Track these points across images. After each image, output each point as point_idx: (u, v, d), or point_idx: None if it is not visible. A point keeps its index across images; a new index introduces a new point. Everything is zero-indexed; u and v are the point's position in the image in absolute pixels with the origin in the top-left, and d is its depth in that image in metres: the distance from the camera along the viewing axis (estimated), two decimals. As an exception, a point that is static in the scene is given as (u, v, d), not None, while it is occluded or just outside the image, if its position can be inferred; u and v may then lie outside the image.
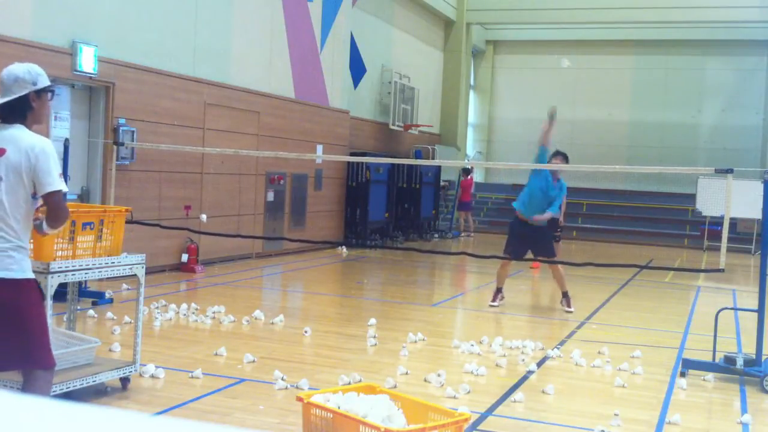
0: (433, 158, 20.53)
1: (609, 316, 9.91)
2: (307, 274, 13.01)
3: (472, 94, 26.66)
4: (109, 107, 10.37)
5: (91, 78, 9.98)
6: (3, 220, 3.77)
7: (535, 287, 12.90)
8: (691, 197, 20.51)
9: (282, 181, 14.35)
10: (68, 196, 4.11)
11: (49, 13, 9.42)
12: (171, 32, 11.45)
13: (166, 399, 5.48)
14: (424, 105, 22.10)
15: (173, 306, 8.47)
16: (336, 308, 9.88)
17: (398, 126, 19.84)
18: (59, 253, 4.91)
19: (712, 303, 10.79)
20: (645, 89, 25.17)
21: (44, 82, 3.93)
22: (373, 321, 8.39)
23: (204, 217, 11.85)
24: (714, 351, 6.88)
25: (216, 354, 6.73)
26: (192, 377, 5.98)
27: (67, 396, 5.15)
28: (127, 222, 5.81)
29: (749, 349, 7.22)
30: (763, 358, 6.64)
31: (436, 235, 20.02)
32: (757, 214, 10.34)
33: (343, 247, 15.77)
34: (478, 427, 5.19)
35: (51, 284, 4.76)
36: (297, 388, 5.75)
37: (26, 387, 3.90)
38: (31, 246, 4.77)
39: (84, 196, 10.27)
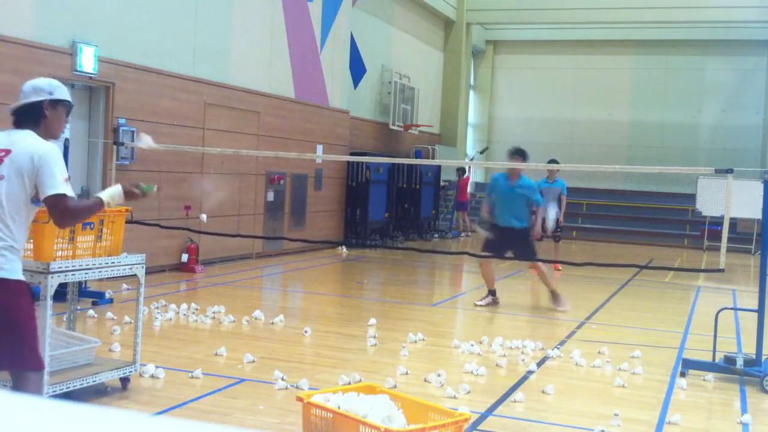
0: (433, 158, 20.52)
1: (609, 316, 9.91)
2: (307, 274, 13.01)
3: (472, 94, 26.66)
4: (109, 107, 10.37)
5: (91, 78, 9.98)
6: (1, 219, 3.76)
7: (535, 287, 12.89)
8: (691, 197, 20.50)
9: (282, 181, 14.35)
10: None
11: (49, 13, 9.42)
12: (171, 32, 11.45)
13: (166, 399, 5.49)
14: (424, 105, 22.10)
15: (173, 306, 8.47)
16: (336, 308, 9.88)
17: (398, 126, 19.84)
18: (59, 253, 4.91)
19: (712, 303, 10.79)
20: (645, 89, 25.17)
21: (62, 94, 3.97)
22: (373, 321, 8.40)
23: (204, 216, 11.84)
24: (714, 351, 6.88)
25: (216, 354, 6.73)
26: (192, 377, 5.98)
27: (67, 396, 5.15)
28: (127, 222, 5.81)
29: (749, 349, 7.22)
30: (763, 358, 6.64)
31: (436, 235, 20.02)
32: (757, 214, 10.33)
33: (343, 247, 15.77)
34: (478, 427, 5.19)
35: (51, 284, 4.76)
36: (297, 388, 5.75)
37: (17, 389, 3.89)
38: (31, 246, 4.78)
39: (84, 196, 10.26)
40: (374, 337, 7.66)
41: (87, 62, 9.79)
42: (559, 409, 5.72)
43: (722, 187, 15.33)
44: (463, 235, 21.09)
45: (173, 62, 11.49)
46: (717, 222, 19.79)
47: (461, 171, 21.45)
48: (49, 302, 4.75)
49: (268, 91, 13.87)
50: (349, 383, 5.70)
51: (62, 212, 3.85)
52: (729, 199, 7.22)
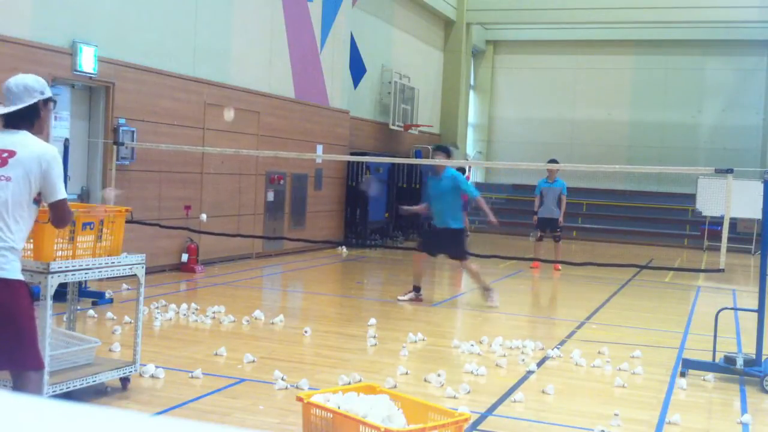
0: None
1: (609, 316, 9.91)
2: (307, 274, 13.01)
3: (472, 94, 26.66)
4: (109, 107, 10.37)
5: (91, 78, 9.97)
6: (3, 220, 3.79)
7: (535, 287, 12.90)
8: (691, 197, 20.51)
9: (282, 181, 14.35)
10: (68, 197, 4.16)
11: (49, 13, 9.42)
12: (171, 32, 11.45)
13: (166, 399, 5.49)
14: (424, 105, 22.10)
15: (173, 306, 8.47)
16: (336, 308, 9.88)
17: (398, 126, 19.84)
18: (59, 253, 4.91)
19: (712, 303, 10.79)
20: (645, 89, 25.16)
21: (49, 91, 4.08)
22: (373, 321, 8.40)
23: (204, 216, 11.85)
24: (714, 351, 6.88)
25: (216, 354, 6.73)
26: (192, 377, 5.98)
27: (67, 396, 5.15)
28: (127, 222, 5.81)
29: (749, 349, 7.22)
30: (763, 358, 6.64)
31: (436, 235, 19.99)
32: (757, 214, 10.34)
33: (343, 247, 15.77)
34: (478, 427, 5.19)
35: (51, 284, 4.76)
36: (297, 388, 5.75)
37: (17, 389, 3.89)
38: (31, 246, 4.78)
39: (84, 196, 10.27)
40: (374, 337, 7.66)
41: (87, 62, 9.79)
42: (559, 409, 5.72)
43: (722, 187, 15.34)
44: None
45: (173, 62, 11.49)
46: (717, 222, 19.79)
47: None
48: (49, 302, 4.75)
49: (268, 91, 13.87)
50: (349, 383, 5.70)
51: (67, 215, 4.01)
52: (729, 199, 7.22)
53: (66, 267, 4.90)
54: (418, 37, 22.00)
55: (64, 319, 6.24)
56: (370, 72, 18.84)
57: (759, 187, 7.49)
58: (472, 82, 26.64)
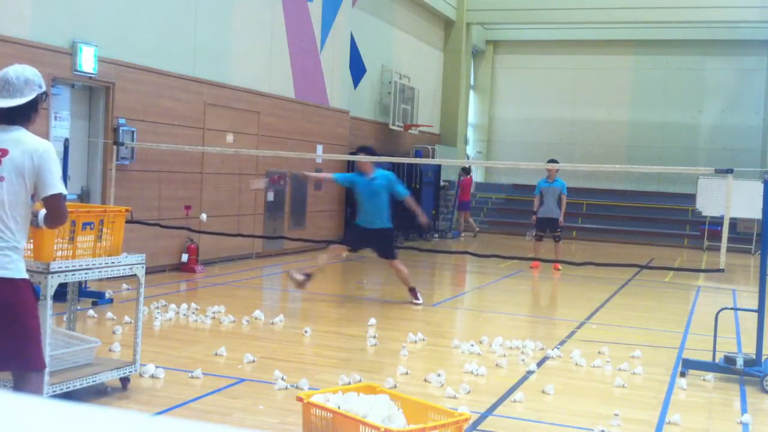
0: (433, 158, 20.51)
1: (609, 316, 9.91)
2: (307, 274, 12.99)
3: (472, 94, 26.66)
4: (109, 107, 10.37)
5: (91, 78, 9.98)
6: (2, 220, 3.76)
7: (535, 287, 12.90)
8: (691, 197, 20.51)
9: (282, 181, 14.35)
10: (68, 197, 4.10)
11: (49, 13, 9.42)
12: (171, 32, 11.45)
13: (166, 399, 5.49)
14: (424, 105, 22.10)
15: (173, 306, 8.47)
16: (336, 308, 9.88)
17: (398, 126, 19.84)
18: (59, 253, 4.90)
19: (712, 303, 10.79)
20: (645, 89, 25.16)
21: (44, 84, 4.02)
22: (373, 321, 8.40)
23: (204, 216, 11.85)
24: (714, 351, 6.88)
25: (216, 354, 6.73)
26: (192, 377, 5.98)
27: (67, 396, 5.15)
28: (127, 222, 5.81)
29: (749, 349, 7.22)
30: (763, 358, 6.64)
31: (436, 235, 20.01)
32: (757, 214, 10.34)
33: (343, 247, 15.73)
34: (478, 427, 5.19)
35: (51, 284, 4.76)
36: (297, 388, 5.75)
37: (19, 389, 3.88)
38: (31, 246, 4.78)
39: (84, 196, 10.27)
40: (374, 337, 7.66)
41: (87, 62, 9.79)
42: (559, 409, 5.72)
43: (722, 187, 15.33)
44: (463, 235, 21.09)
45: (173, 62, 11.49)
46: (717, 222, 19.79)
47: (466, 171, 21.41)
48: (49, 302, 4.75)
49: (268, 91, 13.87)
50: (349, 383, 5.70)
51: (61, 212, 3.88)
52: (729, 199, 7.23)
53: (66, 267, 4.90)
54: (418, 37, 22.00)
55: (64, 319, 6.24)
56: (370, 72, 18.84)
57: (759, 187, 7.49)
58: (472, 82, 26.64)
